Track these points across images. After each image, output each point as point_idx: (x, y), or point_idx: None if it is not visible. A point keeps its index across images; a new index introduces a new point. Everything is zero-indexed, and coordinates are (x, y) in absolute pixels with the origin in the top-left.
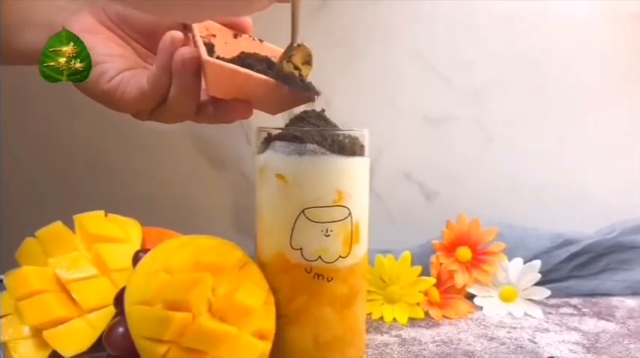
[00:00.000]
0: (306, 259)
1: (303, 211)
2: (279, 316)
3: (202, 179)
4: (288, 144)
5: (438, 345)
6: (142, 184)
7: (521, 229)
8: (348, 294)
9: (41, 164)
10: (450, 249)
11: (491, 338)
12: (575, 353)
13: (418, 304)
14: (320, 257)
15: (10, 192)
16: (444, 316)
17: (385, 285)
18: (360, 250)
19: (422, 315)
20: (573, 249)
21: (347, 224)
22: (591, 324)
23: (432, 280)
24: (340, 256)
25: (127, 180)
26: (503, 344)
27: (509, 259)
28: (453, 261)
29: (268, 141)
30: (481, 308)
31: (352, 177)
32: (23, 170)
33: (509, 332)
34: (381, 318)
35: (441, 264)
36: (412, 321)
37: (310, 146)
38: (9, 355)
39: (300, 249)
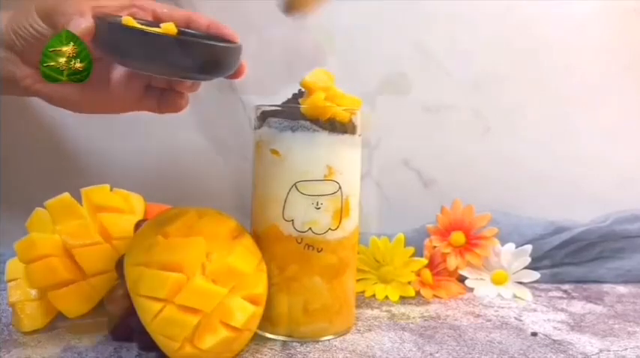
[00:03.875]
0: (297, 230)
1: (294, 184)
2: (271, 284)
3: (207, 164)
4: (281, 120)
5: (425, 320)
6: (146, 169)
7: (515, 217)
8: (337, 265)
9: (49, 147)
10: (444, 233)
11: (478, 316)
12: (558, 330)
13: (410, 283)
14: (310, 228)
15: (18, 173)
16: (434, 296)
17: (379, 266)
18: (350, 224)
19: (413, 293)
20: (566, 236)
21: (337, 198)
22: (579, 306)
23: (424, 261)
24: (330, 228)
25: (131, 164)
26: (489, 320)
27: (503, 245)
28: (447, 245)
29: (264, 117)
30: (472, 289)
31: (343, 153)
32: (32, 153)
33: (496, 311)
34: (374, 296)
35: (435, 247)
36: (403, 299)
37: (303, 122)
38: (17, 315)
39: (292, 220)
